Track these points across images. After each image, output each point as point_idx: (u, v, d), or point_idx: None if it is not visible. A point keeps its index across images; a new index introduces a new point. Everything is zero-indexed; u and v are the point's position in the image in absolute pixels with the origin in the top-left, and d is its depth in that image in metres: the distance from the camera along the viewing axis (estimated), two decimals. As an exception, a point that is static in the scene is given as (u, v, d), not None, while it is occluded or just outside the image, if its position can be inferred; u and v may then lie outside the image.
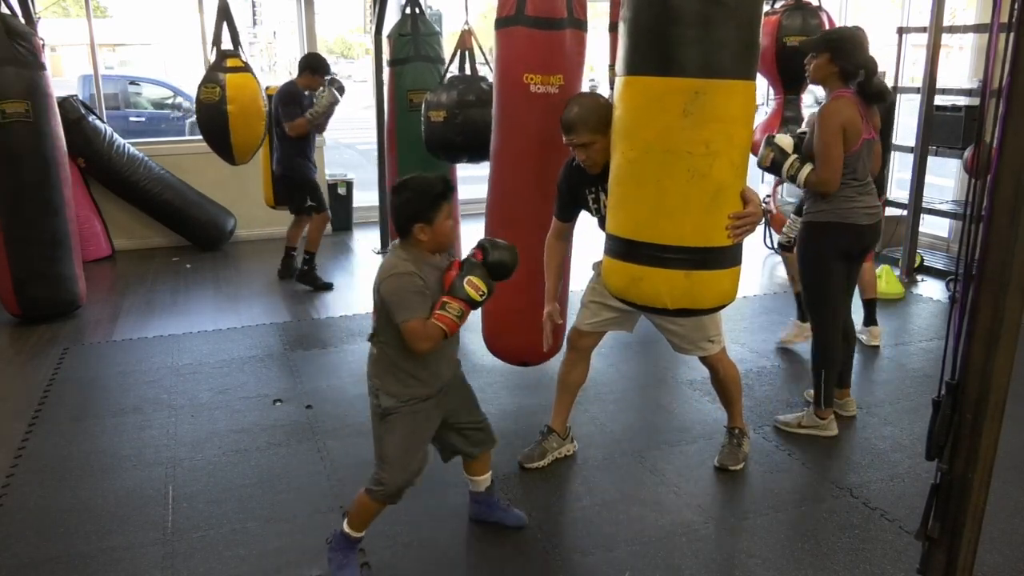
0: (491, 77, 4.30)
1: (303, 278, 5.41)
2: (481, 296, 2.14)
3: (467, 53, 4.31)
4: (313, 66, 5.09)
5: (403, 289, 2.12)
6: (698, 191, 2.08)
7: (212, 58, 4.91)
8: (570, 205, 2.80)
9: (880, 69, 3.11)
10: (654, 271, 2.15)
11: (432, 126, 4.12)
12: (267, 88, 5.51)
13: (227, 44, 5.02)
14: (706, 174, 2.06)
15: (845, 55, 2.97)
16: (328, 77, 5.15)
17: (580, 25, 3.27)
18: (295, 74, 5.21)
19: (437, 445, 2.47)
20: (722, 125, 2.05)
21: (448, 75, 4.42)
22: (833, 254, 3.10)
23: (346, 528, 2.33)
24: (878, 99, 3.06)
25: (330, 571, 2.35)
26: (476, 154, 4.07)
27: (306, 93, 5.10)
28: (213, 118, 4.82)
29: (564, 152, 2.74)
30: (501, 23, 3.22)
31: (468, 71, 4.33)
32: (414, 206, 2.14)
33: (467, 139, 3.99)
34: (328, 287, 5.38)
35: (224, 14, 4.87)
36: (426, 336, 2.10)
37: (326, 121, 5.24)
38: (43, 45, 4.51)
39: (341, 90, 5.16)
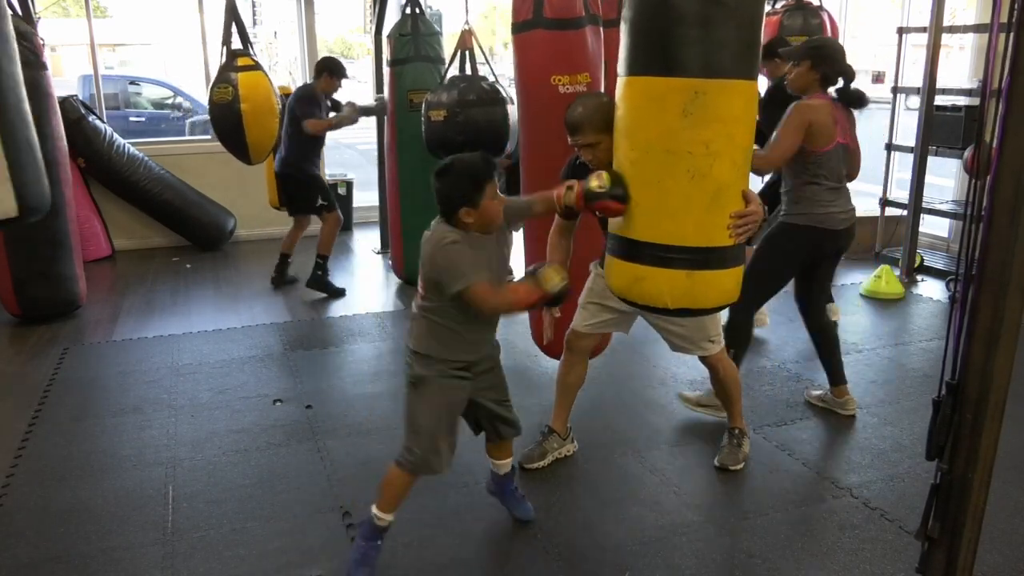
0: (491, 77, 4.32)
1: (315, 284, 5.27)
2: (550, 286, 2.14)
3: (467, 53, 4.31)
4: (331, 68, 5.06)
5: (459, 256, 2.11)
6: (699, 191, 2.08)
7: (223, 58, 4.90)
8: None
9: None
10: (656, 271, 2.15)
11: (432, 125, 4.11)
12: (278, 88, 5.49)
13: (236, 44, 5.02)
14: (707, 174, 2.06)
15: (825, 62, 3.08)
16: (378, 97, 5.16)
17: (596, 20, 3.27)
18: (295, 74, 5.21)
19: (468, 420, 2.50)
20: (723, 125, 2.05)
21: (448, 75, 4.43)
22: (799, 258, 3.25)
23: (375, 511, 2.33)
24: (857, 104, 3.17)
25: (351, 559, 2.35)
26: None
27: (324, 96, 5.10)
28: (227, 118, 4.80)
29: None
30: (519, 28, 3.23)
31: (468, 71, 4.34)
32: (459, 190, 2.12)
33: (468, 138, 3.99)
34: (341, 293, 5.28)
35: (232, 14, 4.86)
36: (495, 298, 2.14)
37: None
38: (43, 45, 4.51)
39: (380, 111, 5.18)
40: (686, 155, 2.05)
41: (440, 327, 2.24)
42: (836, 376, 3.45)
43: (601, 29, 3.34)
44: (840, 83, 3.11)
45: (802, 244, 3.20)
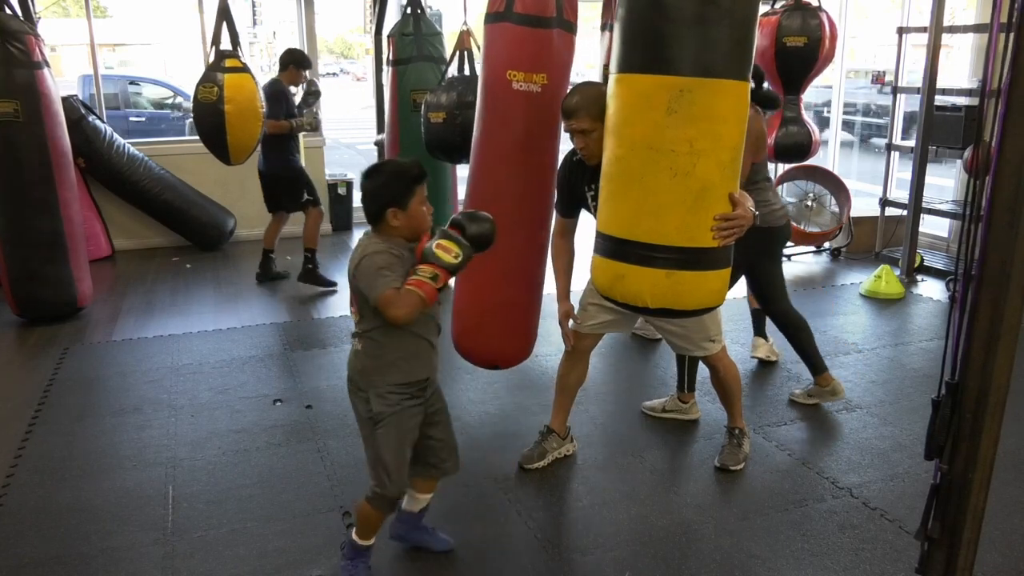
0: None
1: (307, 278, 5.35)
2: (455, 258, 2.03)
3: (466, 53, 4.31)
4: (297, 60, 5.14)
5: (373, 265, 2.04)
6: (681, 190, 2.07)
7: (211, 58, 4.90)
8: (571, 202, 2.81)
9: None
10: (637, 269, 2.14)
11: (432, 127, 4.11)
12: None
13: (226, 45, 5.01)
14: (690, 172, 2.05)
15: None
16: (308, 82, 5.23)
17: (569, 27, 3.23)
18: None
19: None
20: (709, 124, 2.04)
21: (447, 76, 4.42)
22: (747, 261, 3.16)
23: (354, 537, 2.32)
24: (772, 105, 3.25)
25: None
26: None
27: (292, 89, 5.15)
28: (209, 117, 4.80)
29: (544, 151, 2.74)
30: (490, 19, 3.21)
31: (467, 71, 4.33)
32: (388, 190, 2.08)
33: (467, 140, 3.97)
34: (332, 284, 5.36)
35: (224, 14, 4.87)
36: (401, 303, 1.99)
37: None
38: (40, 44, 4.49)
39: (317, 94, 5.28)
40: (669, 152, 2.04)
41: (386, 347, 2.14)
42: (817, 365, 3.48)
43: (573, 37, 3.30)
44: (753, 85, 3.12)
45: (751, 246, 2.97)
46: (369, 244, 2.10)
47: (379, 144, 5.35)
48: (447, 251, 2.04)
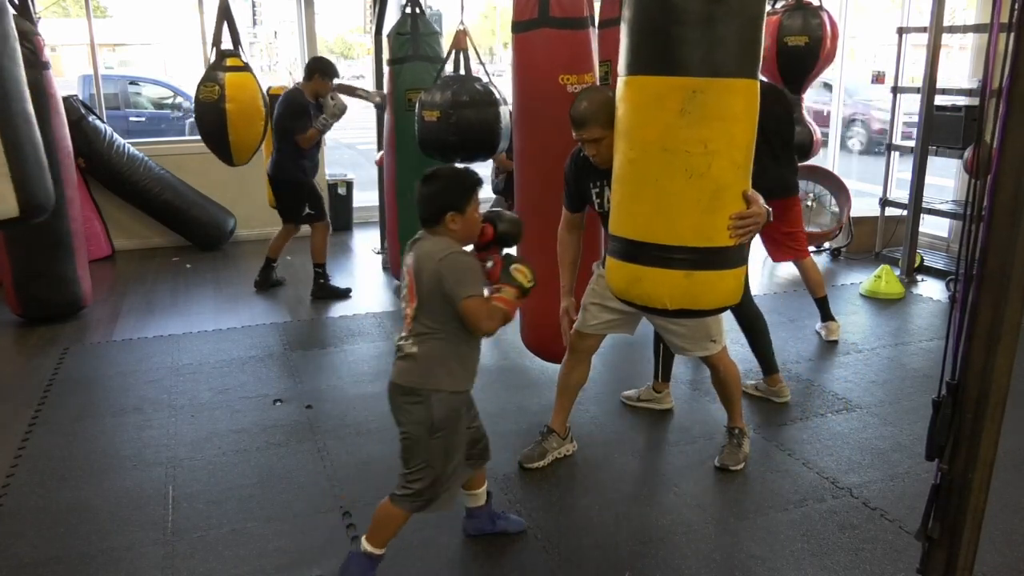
0: (485, 78, 4.32)
1: (320, 293, 5.23)
2: (529, 283, 2.15)
3: (461, 53, 4.31)
4: (323, 69, 4.96)
5: (463, 264, 2.09)
6: (696, 191, 2.08)
7: (212, 58, 4.90)
8: (576, 197, 2.81)
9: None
10: (654, 271, 2.14)
11: (426, 125, 4.10)
12: (269, 88, 5.48)
13: (227, 44, 5.01)
14: (704, 173, 2.06)
15: None
16: (336, 83, 5.07)
17: (593, 23, 3.28)
18: (295, 74, 5.18)
19: None
20: (721, 124, 2.04)
21: (442, 75, 4.42)
22: None
23: (367, 547, 2.23)
24: None
25: None
26: (470, 154, 4.06)
27: (312, 101, 4.95)
28: (212, 117, 4.80)
29: None
30: (522, 27, 3.21)
31: (463, 71, 4.34)
32: (448, 195, 2.14)
33: (461, 139, 3.98)
34: (347, 294, 5.27)
35: (225, 14, 4.86)
36: (489, 315, 2.08)
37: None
38: (44, 44, 4.51)
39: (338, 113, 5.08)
40: (683, 154, 2.04)
41: (448, 351, 2.16)
42: (768, 365, 3.56)
43: (594, 31, 3.34)
44: None
45: None
46: (446, 244, 2.13)
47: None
48: (524, 275, 2.15)
